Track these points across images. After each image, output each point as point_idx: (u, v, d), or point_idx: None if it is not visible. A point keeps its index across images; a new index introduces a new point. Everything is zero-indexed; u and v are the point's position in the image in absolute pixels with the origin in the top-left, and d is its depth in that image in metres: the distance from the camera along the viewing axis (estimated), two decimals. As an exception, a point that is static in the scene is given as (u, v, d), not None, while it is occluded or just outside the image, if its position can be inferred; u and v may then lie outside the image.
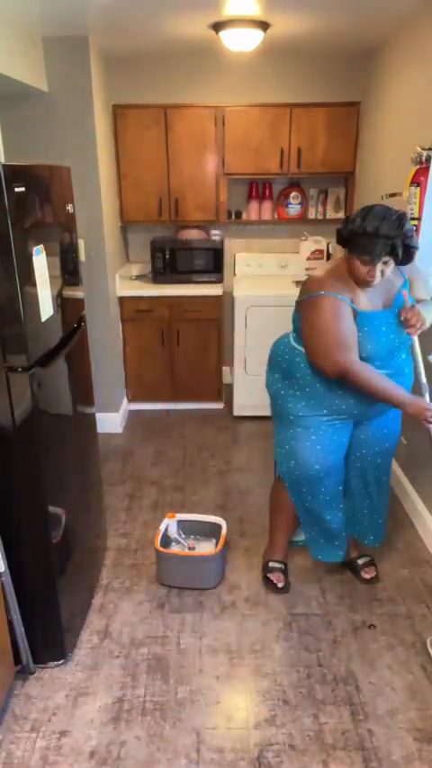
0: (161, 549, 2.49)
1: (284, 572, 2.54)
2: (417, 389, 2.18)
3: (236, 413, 4.17)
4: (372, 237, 1.88)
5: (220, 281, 4.18)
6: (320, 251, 4.16)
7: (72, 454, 2.24)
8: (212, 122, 3.87)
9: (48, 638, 2.10)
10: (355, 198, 4.08)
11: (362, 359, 2.04)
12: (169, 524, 2.66)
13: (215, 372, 4.25)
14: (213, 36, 3.17)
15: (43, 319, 1.88)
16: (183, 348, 4.15)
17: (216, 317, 4.10)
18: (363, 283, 2.01)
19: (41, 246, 1.84)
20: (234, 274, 4.48)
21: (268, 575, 2.53)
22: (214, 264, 4.16)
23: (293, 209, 4.22)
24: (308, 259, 4.18)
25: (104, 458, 3.60)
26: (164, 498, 3.22)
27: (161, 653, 2.20)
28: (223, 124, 3.87)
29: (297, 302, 2.14)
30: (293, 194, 4.19)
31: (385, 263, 1.94)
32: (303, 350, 2.13)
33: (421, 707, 1.96)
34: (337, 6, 2.71)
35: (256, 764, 1.79)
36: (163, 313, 4.06)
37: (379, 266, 1.94)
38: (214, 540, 2.63)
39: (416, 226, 2.57)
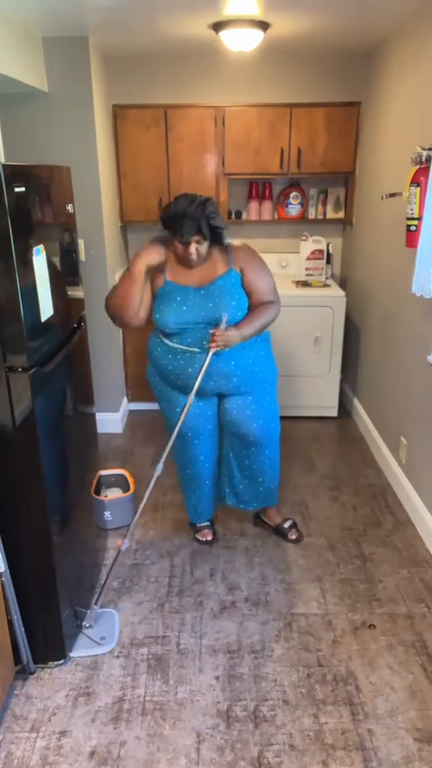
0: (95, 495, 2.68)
1: (211, 526, 2.86)
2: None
3: (236, 413, 4.16)
4: (181, 219, 2.18)
5: (220, 281, 4.18)
6: (320, 251, 4.16)
7: (72, 454, 2.24)
8: (212, 122, 3.87)
9: (48, 638, 2.10)
10: (355, 198, 4.08)
11: (156, 323, 2.37)
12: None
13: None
14: (213, 36, 3.17)
15: (43, 319, 1.88)
16: (183, 348, 4.14)
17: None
18: (185, 261, 2.31)
19: (41, 246, 1.84)
20: (234, 274, 4.48)
21: (196, 534, 2.85)
22: (214, 264, 4.15)
23: (293, 209, 4.22)
24: (308, 259, 4.18)
25: (104, 458, 3.60)
26: (164, 498, 3.22)
27: (161, 653, 2.20)
28: (223, 124, 3.87)
29: None
30: (293, 194, 4.19)
31: (197, 241, 2.23)
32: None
33: (421, 707, 1.96)
34: (337, 6, 2.71)
35: (256, 764, 1.79)
36: (163, 313, 4.05)
37: (193, 245, 2.23)
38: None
39: (416, 226, 2.57)
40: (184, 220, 2.18)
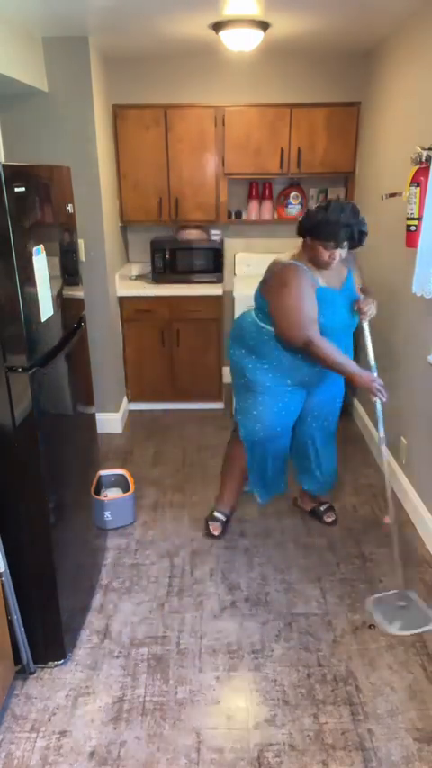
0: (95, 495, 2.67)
1: (225, 524, 2.90)
2: (366, 367, 2.52)
3: (236, 413, 4.16)
4: (335, 225, 2.22)
5: (220, 281, 4.18)
6: (320, 251, 4.15)
7: (72, 454, 2.24)
8: (212, 122, 3.87)
9: (48, 638, 2.10)
10: (355, 198, 4.08)
11: (323, 324, 2.36)
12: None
13: (215, 372, 4.25)
14: (213, 36, 3.17)
15: (43, 319, 1.88)
16: (183, 348, 4.15)
17: (216, 317, 4.10)
18: (324, 265, 2.35)
19: (41, 246, 1.84)
20: (234, 274, 4.48)
21: (210, 522, 2.90)
22: (214, 264, 4.16)
23: (293, 209, 4.22)
24: (308, 259, 4.18)
25: (104, 458, 3.60)
26: (164, 498, 3.22)
27: (161, 653, 2.20)
28: (223, 124, 3.87)
29: (262, 282, 2.47)
30: (293, 194, 4.19)
31: (344, 247, 2.29)
32: (270, 328, 2.44)
33: (421, 707, 1.96)
34: (337, 6, 2.71)
35: (256, 764, 1.79)
36: (163, 313, 4.06)
37: (339, 250, 2.29)
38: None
39: (416, 226, 2.57)
40: (341, 227, 2.23)
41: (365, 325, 2.54)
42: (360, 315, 2.49)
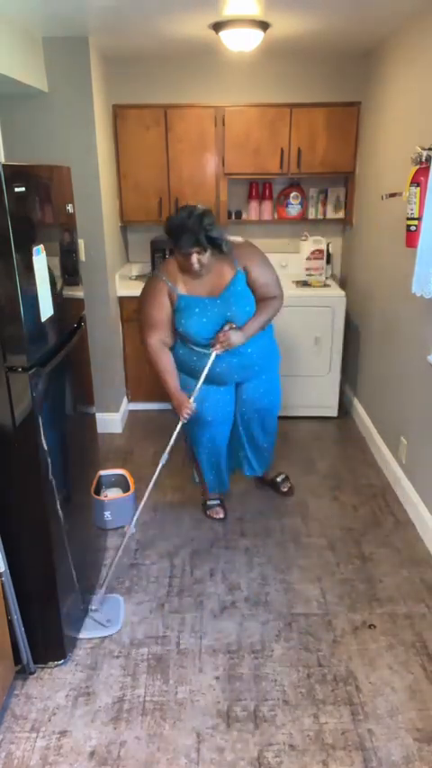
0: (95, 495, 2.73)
1: (222, 505, 3.04)
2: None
3: (236, 413, 4.16)
4: (178, 231, 2.28)
5: (220, 281, 4.17)
6: (320, 251, 4.16)
7: (72, 454, 2.24)
8: (212, 122, 3.87)
9: (48, 638, 2.10)
10: (355, 198, 4.08)
11: (180, 333, 2.52)
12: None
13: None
14: (213, 36, 3.17)
15: (43, 319, 1.88)
16: (183, 348, 4.14)
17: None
18: (186, 271, 2.42)
19: (41, 246, 1.84)
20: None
21: (208, 512, 3.03)
22: (214, 264, 4.15)
23: (293, 209, 4.22)
24: (308, 259, 4.18)
25: (104, 458, 3.60)
26: (164, 498, 3.22)
27: (161, 653, 2.20)
28: (223, 124, 3.87)
29: None
30: (293, 194, 4.19)
31: (197, 252, 2.32)
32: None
33: (421, 707, 1.96)
34: (336, 6, 2.71)
35: (256, 764, 1.79)
36: (163, 313, 4.06)
37: (194, 256, 2.32)
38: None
39: (416, 226, 2.57)
40: (183, 233, 2.27)
41: (212, 354, 2.50)
42: (213, 345, 2.48)
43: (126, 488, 3.06)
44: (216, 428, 2.82)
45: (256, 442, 2.99)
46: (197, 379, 2.56)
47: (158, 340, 2.54)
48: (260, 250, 2.60)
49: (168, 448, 2.54)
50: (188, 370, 2.65)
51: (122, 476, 3.12)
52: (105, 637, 2.27)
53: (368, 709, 1.96)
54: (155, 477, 2.56)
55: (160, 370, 2.56)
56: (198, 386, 2.54)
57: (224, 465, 3.01)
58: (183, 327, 2.50)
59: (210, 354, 2.50)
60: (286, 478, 3.25)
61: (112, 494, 3.07)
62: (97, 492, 2.76)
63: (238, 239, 2.56)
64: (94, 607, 2.38)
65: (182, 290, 2.46)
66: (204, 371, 2.51)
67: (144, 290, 2.56)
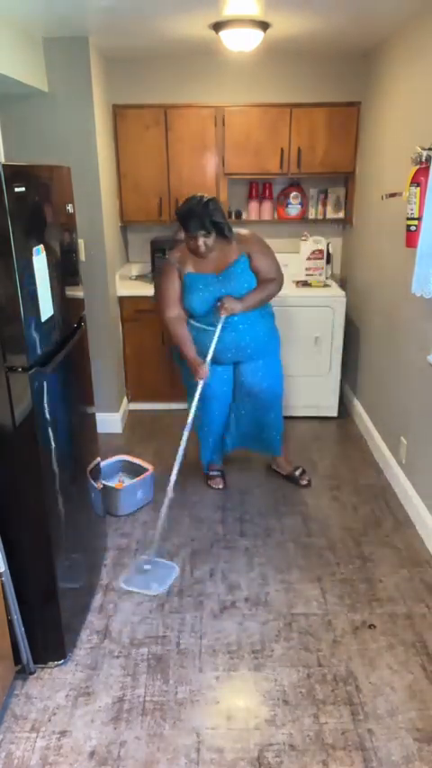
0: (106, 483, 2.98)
1: (222, 477, 3.32)
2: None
3: (236, 413, 4.16)
4: (188, 216, 2.59)
5: (220, 281, 4.18)
6: (320, 251, 4.16)
7: (72, 454, 2.24)
8: (212, 122, 3.87)
9: (48, 638, 2.10)
10: (355, 198, 4.08)
11: (187, 309, 2.82)
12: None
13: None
14: (213, 36, 3.17)
15: (43, 319, 1.88)
16: (183, 348, 4.14)
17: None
18: (194, 252, 2.72)
19: (41, 246, 1.84)
20: (234, 274, 4.48)
21: (209, 481, 3.31)
22: (214, 264, 4.15)
23: (293, 209, 4.22)
24: (308, 259, 4.18)
25: (104, 458, 3.59)
26: (164, 498, 3.21)
27: (161, 653, 2.20)
28: (223, 124, 3.87)
29: None
30: (293, 194, 4.19)
31: (203, 235, 2.61)
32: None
33: (421, 707, 1.96)
34: (336, 6, 2.71)
35: (256, 764, 1.79)
36: (163, 313, 4.06)
37: (201, 239, 2.62)
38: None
39: (416, 226, 2.57)
40: (191, 218, 2.59)
41: (221, 320, 2.77)
42: (219, 309, 2.75)
43: (130, 474, 3.23)
44: (214, 404, 3.07)
45: (249, 421, 3.21)
46: (202, 355, 2.84)
47: (175, 314, 2.84)
48: (263, 239, 2.87)
49: (184, 437, 2.80)
50: (215, 351, 2.85)
51: (121, 462, 3.30)
52: (146, 595, 2.46)
53: (368, 710, 1.96)
54: (182, 445, 2.78)
55: (179, 339, 2.85)
56: (211, 350, 2.78)
57: (217, 441, 3.28)
58: (188, 302, 2.79)
59: (215, 329, 2.76)
60: (304, 472, 3.35)
61: (114, 482, 3.17)
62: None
63: (244, 231, 2.83)
64: (147, 566, 2.59)
65: (189, 269, 2.78)
66: (216, 335, 2.76)
67: (161, 273, 2.89)
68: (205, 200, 2.60)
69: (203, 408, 3.07)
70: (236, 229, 2.78)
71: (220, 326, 2.76)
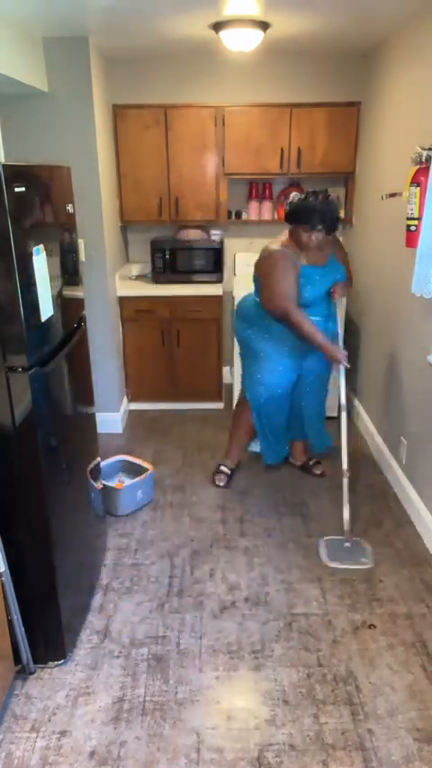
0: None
1: (229, 477, 3.33)
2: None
3: (236, 413, 4.16)
4: (310, 211, 2.68)
5: (220, 280, 4.18)
6: (320, 251, 4.15)
7: (72, 454, 2.24)
8: (212, 122, 3.87)
9: (48, 638, 2.10)
10: (355, 198, 4.08)
11: (300, 303, 2.80)
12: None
13: (215, 372, 4.25)
14: (213, 36, 3.17)
15: (43, 319, 1.88)
16: (183, 348, 4.15)
17: (216, 317, 4.10)
18: (304, 247, 2.78)
19: (41, 246, 1.84)
20: (234, 274, 4.48)
21: (215, 474, 3.34)
22: (214, 264, 4.16)
23: (293, 209, 4.21)
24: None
25: (105, 458, 3.59)
26: (164, 498, 3.22)
27: (161, 653, 2.20)
28: (223, 124, 3.87)
29: (255, 266, 2.91)
30: (293, 194, 4.17)
31: (319, 230, 2.71)
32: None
33: (421, 707, 1.96)
34: (336, 6, 2.71)
35: (256, 764, 1.79)
36: (163, 313, 4.06)
37: (315, 233, 2.71)
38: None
39: (416, 226, 2.57)
40: (315, 213, 2.67)
41: (338, 303, 2.99)
42: (334, 294, 2.92)
43: (130, 474, 3.21)
44: (283, 398, 3.08)
45: (313, 413, 3.20)
46: (293, 349, 2.94)
47: (297, 307, 2.79)
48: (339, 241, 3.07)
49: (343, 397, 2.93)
50: (288, 339, 2.91)
51: (120, 462, 3.29)
52: (359, 570, 2.60)
53: (368, 709, 1.96)
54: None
55: (312, 329, 2.80)
56: (340, 331, 2.99)
57: (282, 437, 3.25)
58: (307, 293, 2.83)
59: (317, 318, 2.86)
60: (318, 462, 3.41)
61: (114, 482, 3.16)
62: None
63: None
64: (347, 544, 2.73)
65: (303, 261, 2.82)
66: (339, 316, 2.98)
67: (271, 266, 2.80)
68: (325, 195, 2.72)
69: (271, 404, 3.08)
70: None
71: (338, 305, 2.98)
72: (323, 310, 2.92)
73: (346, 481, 2.81)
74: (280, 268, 2.78)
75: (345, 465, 2.83)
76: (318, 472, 3.38)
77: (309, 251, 2.81)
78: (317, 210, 2.67)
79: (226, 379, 4.50)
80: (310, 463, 3.41)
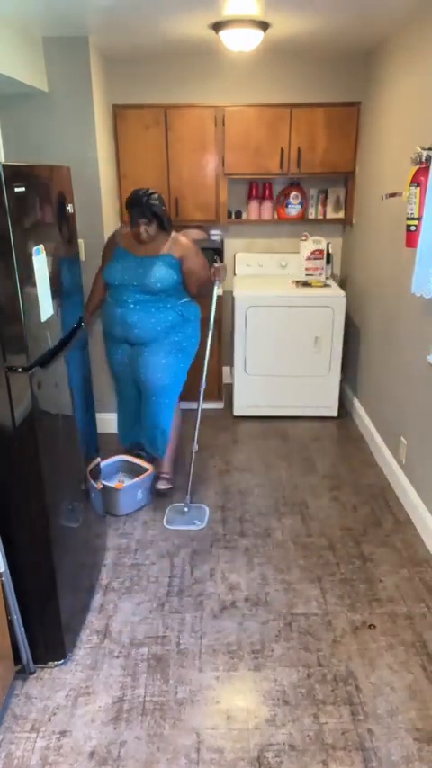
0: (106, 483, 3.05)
1: (138, 456, 3.38)
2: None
3: (236, 413, 4.17)
4: (130, 208, 2.86)
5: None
6: (320, 251, 4.16)
7: (72, 454, 2.24)
8: (212, 122, 3.87)
9: (48, 638, 2.10)
10: (355, 198, 4.08)
11: (105, 279, 3.04)
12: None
13: (215, 372, 4.24)
14: (213, 36, 3.17)
15: (43, 319, 1.88)
16: (183, 348, 4.14)
17: (216, 316, 4.08)
18: (136, 238, 2.92)
19: (41, 246, 1.84)
20: (234, 274, 4.48)
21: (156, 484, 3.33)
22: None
23: (293, 209, 4.22)
24: (308, 259, 4.18)
25: (104, 458, 3.60)
26: (164, 499, 3.21)
27: (161, 653, 2.20)
28: (223, 124, 3.87)
29: None
30: (293, 194, 4.19)
31: (144, 224, 2.84)
32: None
33: (421, 707, 1.96)
34: (336, 6, 2.71)
35: (256, 764, 1.79)
36: (163, 313, 4.05)
37: (142, 227, 2.85)
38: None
39: (416, 226, 2.57)
40: (134, 207, 2.83)
41: (217, 286, 3.09)
42: (214, 274, 3.05)
43: (130, 474, 3.23)
44: (121, 384, 3.28)
45: (148, 412, 3.22)
46: (109, 334, 3.12)
47: (100, 275, 3.11)
48: (197, 247, 3.04)
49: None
50: (106, 323, 3.13)
51: (120, 462, 3.31)
52: (192, 530, 2.89)
53: (368, 709, 1.96)
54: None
55: (93, 289, 3.19)
56: (213, 307, 3.11)
57: (129, 423, 3.38)
58: (107, 273, 3.02)
59: (127, 310, 2.99)
60: (168, 479, 3.29)
61: (114, 482, 3.17)
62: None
63: (185, 240, 2.98)
64: (186, 509, 3.01)
65: (123, 244, 3.00)
66: (215, 293, 3.09)
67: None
68: (149, 192, 2.84)
69: (116, 387, 3.36)
70: (180, 235, 2.97)
71: (216, 288, 3.08)
72: (129, 294, 2.96)
73: (194, 457, 3.08)
74: (106, 243, 3.15)
75: (195, 445, 3.08)
76: (159, 487, 3.25)
77: (141, 243, 2.94)
78: (135, 206, 2.84)
79: (226, 379, 4.49)
80: (162, 474, 3.30)
